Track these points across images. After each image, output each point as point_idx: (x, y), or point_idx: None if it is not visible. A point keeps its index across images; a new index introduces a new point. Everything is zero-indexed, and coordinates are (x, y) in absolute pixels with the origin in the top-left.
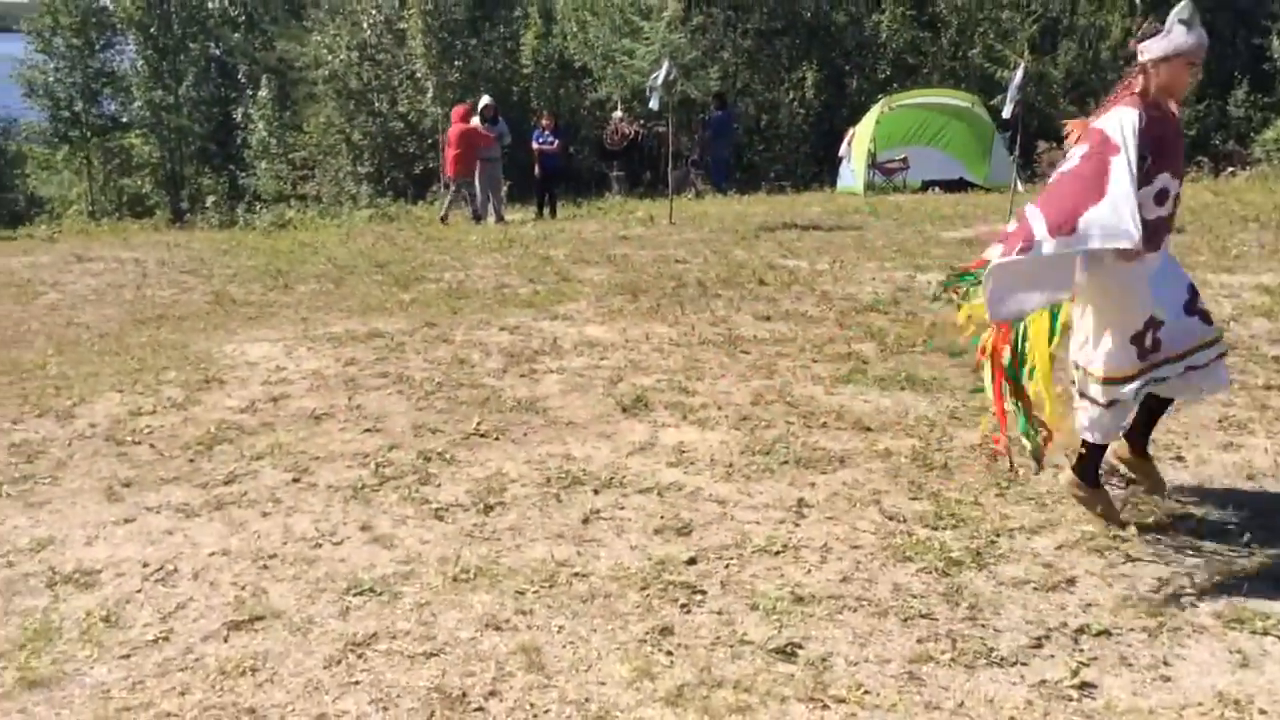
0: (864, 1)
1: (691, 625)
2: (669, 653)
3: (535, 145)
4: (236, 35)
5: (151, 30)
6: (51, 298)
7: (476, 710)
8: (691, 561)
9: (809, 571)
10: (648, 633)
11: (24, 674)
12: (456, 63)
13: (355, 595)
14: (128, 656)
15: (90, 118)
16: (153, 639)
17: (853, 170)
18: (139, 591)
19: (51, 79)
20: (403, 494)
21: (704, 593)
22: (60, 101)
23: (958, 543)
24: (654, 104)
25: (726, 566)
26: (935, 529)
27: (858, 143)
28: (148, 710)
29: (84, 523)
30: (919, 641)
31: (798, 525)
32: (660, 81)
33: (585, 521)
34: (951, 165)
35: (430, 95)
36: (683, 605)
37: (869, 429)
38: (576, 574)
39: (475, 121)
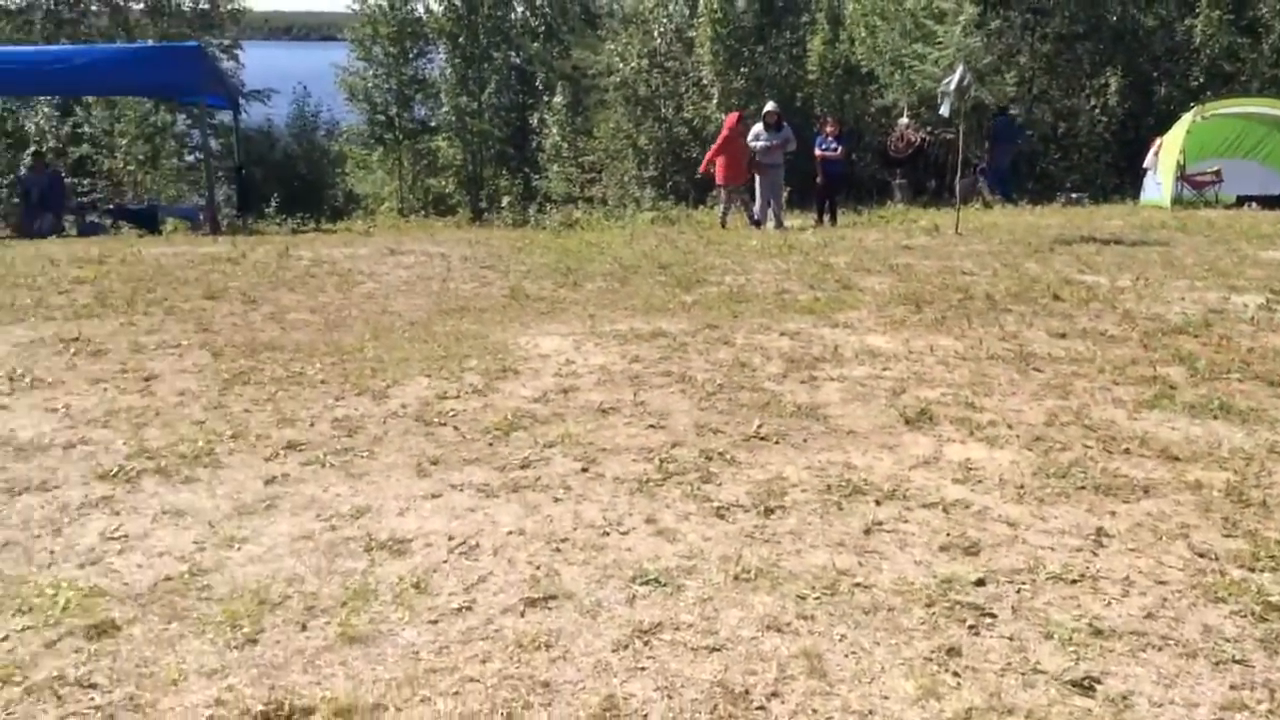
0: (1175, 5)
1: (980, 648)
2: (956, 674)
3: (818, 151)
4: (536, 44)
5: (460, 39)
6: (368, 287)
7: (759, 709)
8: (980, 583)
9: (1109, 604)
10: (933, 651)
11: (344, 630)
12: (742, 69)
13: (641, 584)
14: (435, 622)
15: (403, 121)
16: (457, 608)
17: (1159, 182)
18: (445, 562)
19: (370, 85)
20: (685, 490)
21: (994, 616)
22: (377, 106)
23: (1277, 586)
24: (945, 110)
25: (1018, 591)
26: (1251, 570)
27: (1165, 153)
28: (452, 674)
29: (397, 495)
30: (1232, 688)
31: (1096, 554)
32: (953, 87)
33: (867, 532)
34: (1272, 179)
35: (715, 101)
36: (970, 626)
37: (1177, 458)
38: (858, 584)
39: (757, 128)
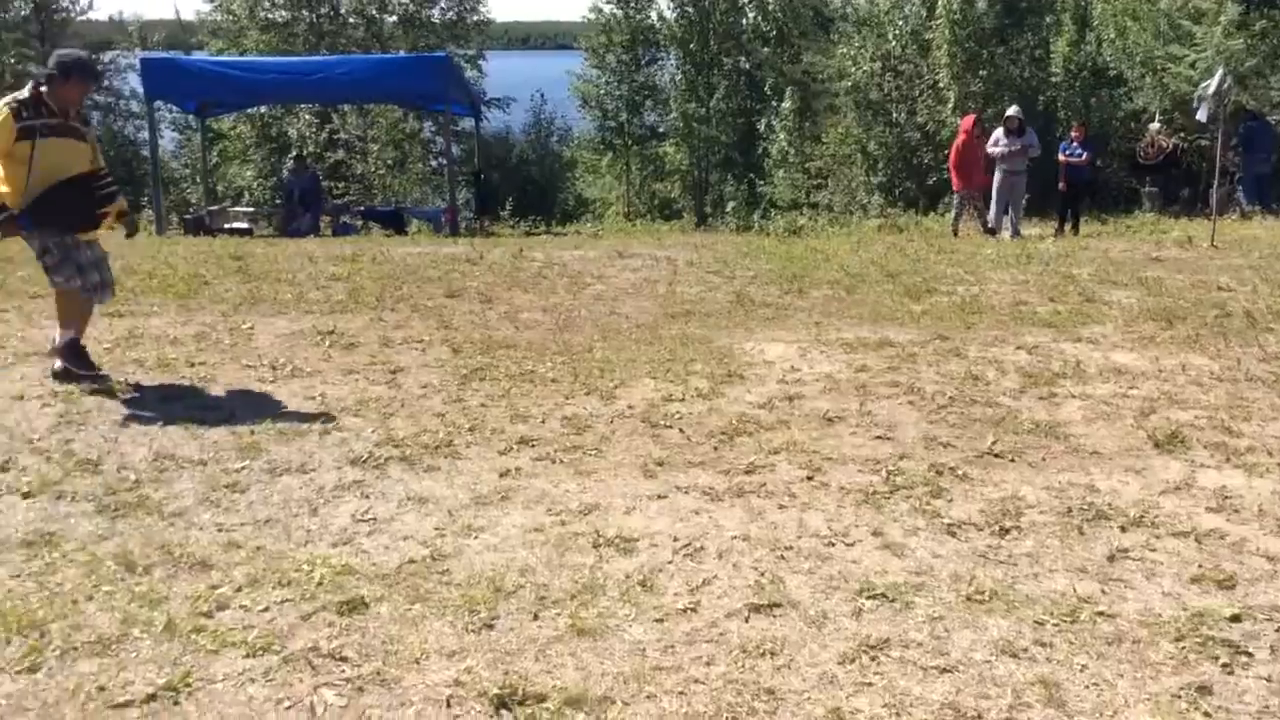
0: None
1: (1234, 688)
2: (1207, 714)
3: (1061, 157)
4: (766, 49)
5: (691, 46)
6: (597, 289)
7: None
8: (1235, 619)
9: None
10: (1182, 688)
11: (574, 622)
12: (981, 72)
13: (868, 598)
14: (660, 621)
15: (632, 127)
16: (682, 609)
17: None
18: (670, 563)
19: (602, 92)
20: (914, 505)
21: (1250, 655)
22: (608, 112)
23: None
24: (1202, 115)
25: (1278, 630)
26: None
27: None
28: (677, 674)
29: (623, 494)
30: None
31: None
32: (1212, 91)
33: (1111, 559)
34: None
35: (951, 105)
36: (1224, 665)
37: None
38: (1101, 613)
39: (997, 133)
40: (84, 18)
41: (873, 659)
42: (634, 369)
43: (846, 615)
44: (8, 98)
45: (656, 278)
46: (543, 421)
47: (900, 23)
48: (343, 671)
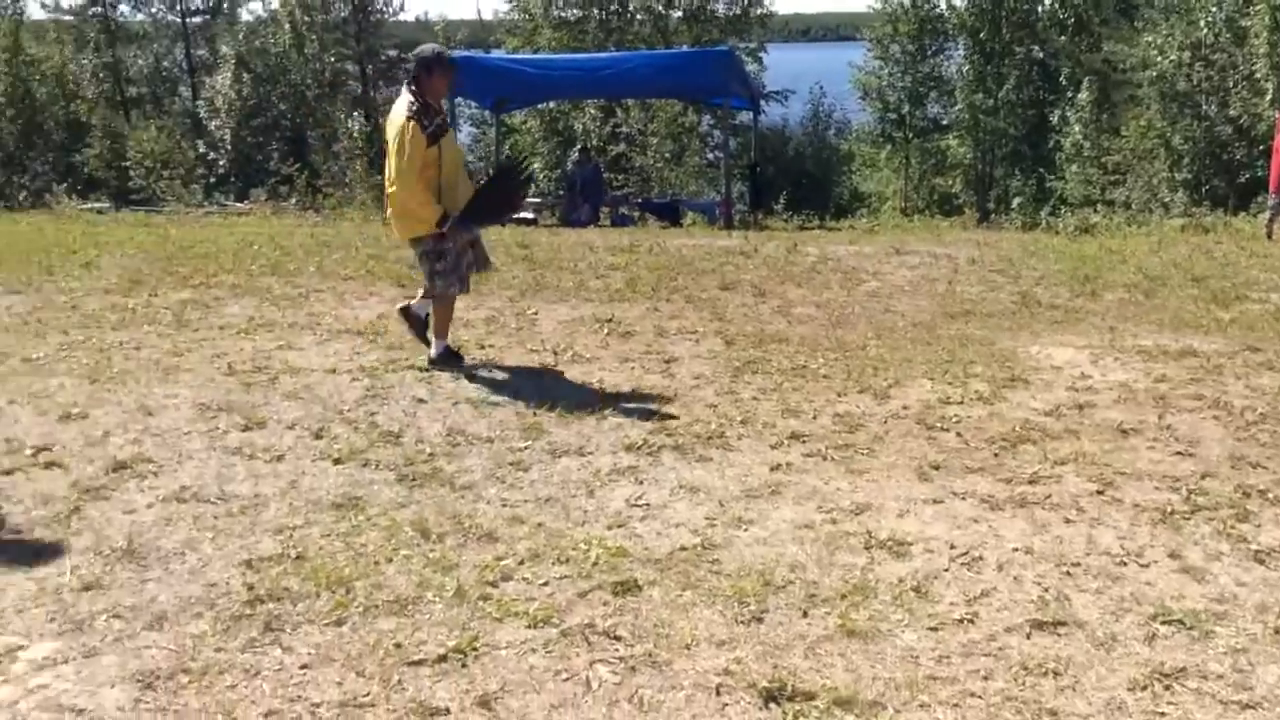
0: None
1: None
2: None
3: None
4: (1063, 38)
5: (981, 35)
6: (872, 285)
7: None
8: None
9: None
10: None
11: (844, 623)
12: None
13: (1162, 623)
14: (935, 629)
15: (914, 120)
16: (959, 619)
17: None
18: (946, 570)
19: (884, 83)
20: (1217, 527)
21: None
22: (889, 104)
23: None
24: None
25: None
26: None
27: None
28: (952, 685)
29: (897, 496)
30: None
31: None
32: None
33: None
34: None
35: (1269, 98)
36: None
37: None
38: None
39: None
40: (395, 19)
41: (1166, 688)
42: (909, 368)
43: (1138, 640)
44: (402, 110)
45: (935, 275)
46: (814, 417)
47: (1213, 9)
48: (616, 650)
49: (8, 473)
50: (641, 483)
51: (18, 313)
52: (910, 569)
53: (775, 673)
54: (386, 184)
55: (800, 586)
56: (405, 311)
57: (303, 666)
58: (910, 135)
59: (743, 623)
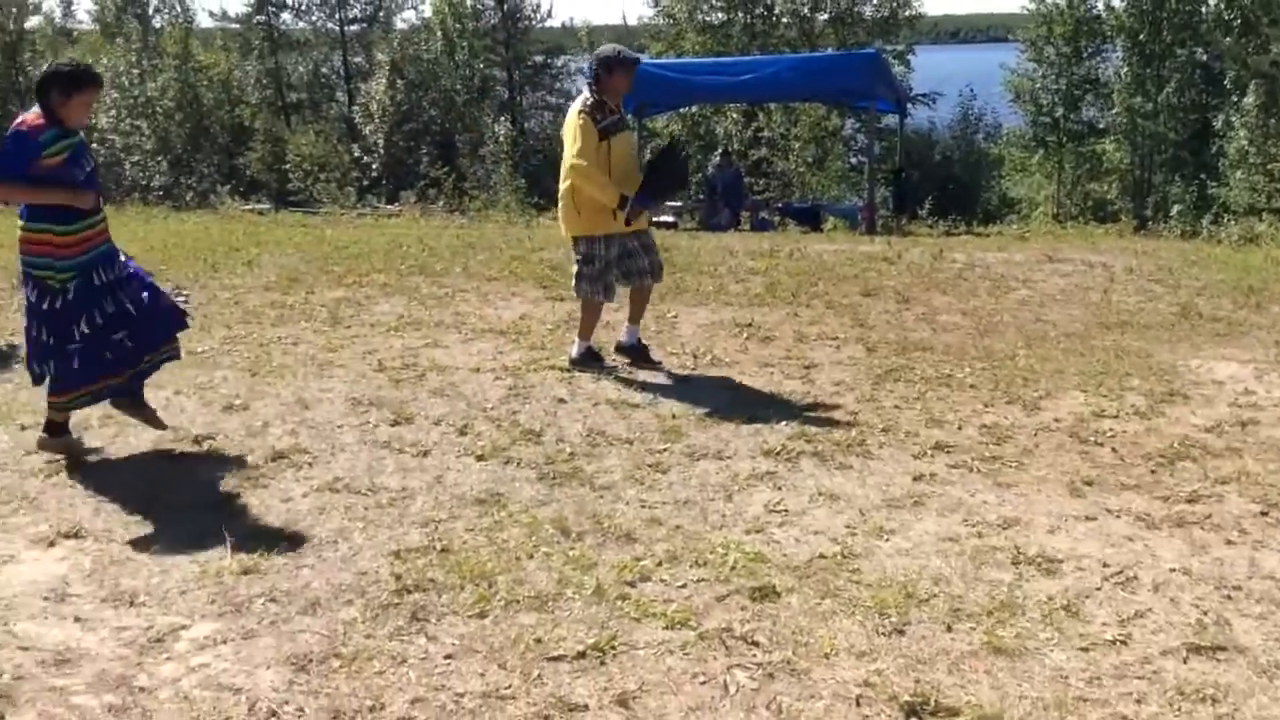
0: None
1: None
2: None
3: None
4: (1228, 39)
5: (1140, 36)
6: (1022, 294)
7: None
8: None
9: None
10: None
11: (990, 639)
12: None
13: None
14: (1086, 650)
15: (1068, 123)
16: (1111, 640)
17: None
18: (1098, 589)
19: (1037, 86)
20: None
21: None
22: (1042, 108)
23: None
24: None
25: None
26: None
27: None
28: (1103, 707)
29: (1047, 511)
30: None
31: None
32: None
33: None
34: None
35: None
36: None
37: None
38: None
39: None
40: (542, 25)
41: None
42: (1061, 380)
43: None
44: (576, 106)
45: (1089, 284)
46: (960, 428)
47: None
48: (754, 656)
49: (175, 459)
50: (780, 488)
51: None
52: (1060, 587)
53: (917, 687)
54: (560, 182)
55: (944, 600)
56: (620, 349)
57: (447, 656)
58: (1064, 139)
59: (884, 634)
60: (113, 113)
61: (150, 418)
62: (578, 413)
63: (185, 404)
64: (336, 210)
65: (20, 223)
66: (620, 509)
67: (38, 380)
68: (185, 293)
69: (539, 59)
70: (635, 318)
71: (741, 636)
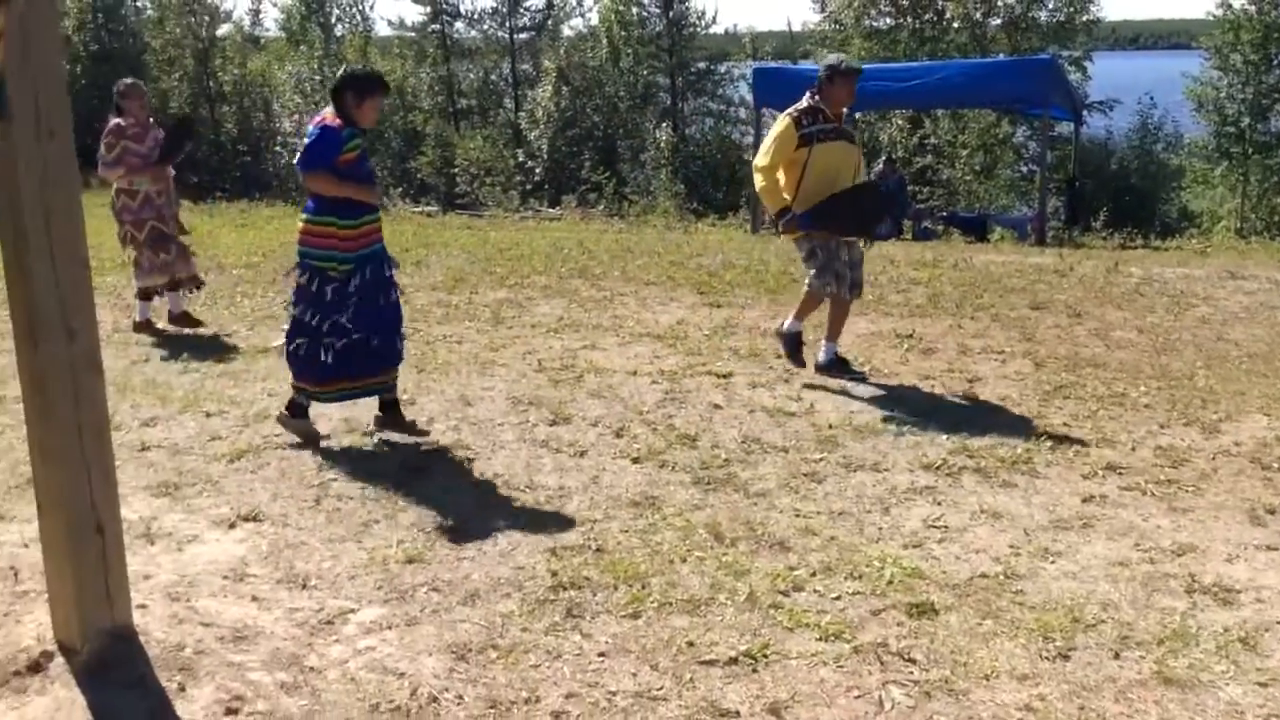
0: None
1: None
2: None
3: None
4: None
5: None
6: (1202, 311)
7: None
8: None
9: None
10: None
11: (1160, 669)
12: None
13: None
14: (1264, 685)
15: (1255, 134)
16: None
17: None
18: (1278, 623)
19: (1222, 94)
20: None
21: None
22: (1227, 117)
23: None
24: None
25: None
26: None
27: None
28: None
29: (1225, 539)
30: None
31: None
32: None
33: None
34: None
35: None
36: None
37: None
38: None
39: None
40: (706, 32)
41: None
42: (1243, 402)
43: None
44: (790, 109)
45: (1275, 303)
46: (1133, 449)
47: None
48: (910, 673)
49: (346, 450)
50: (940, 504)
51: None
52: (1238, 618)
53: (1082, 714)
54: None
55: (1112, 626)
56: (821, 369)
57: (600, 654)
58: (1250, 150)
59: (1047, 658)
60: (295, 117)
61: (409, 427)
62: (733, 419)
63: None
64: (500, 213)
65: (304, 216)
66: (774, 517)
67: (293, 360)
68: None
69: (702, 65)
70: (833, 334)
71: (898, 652)
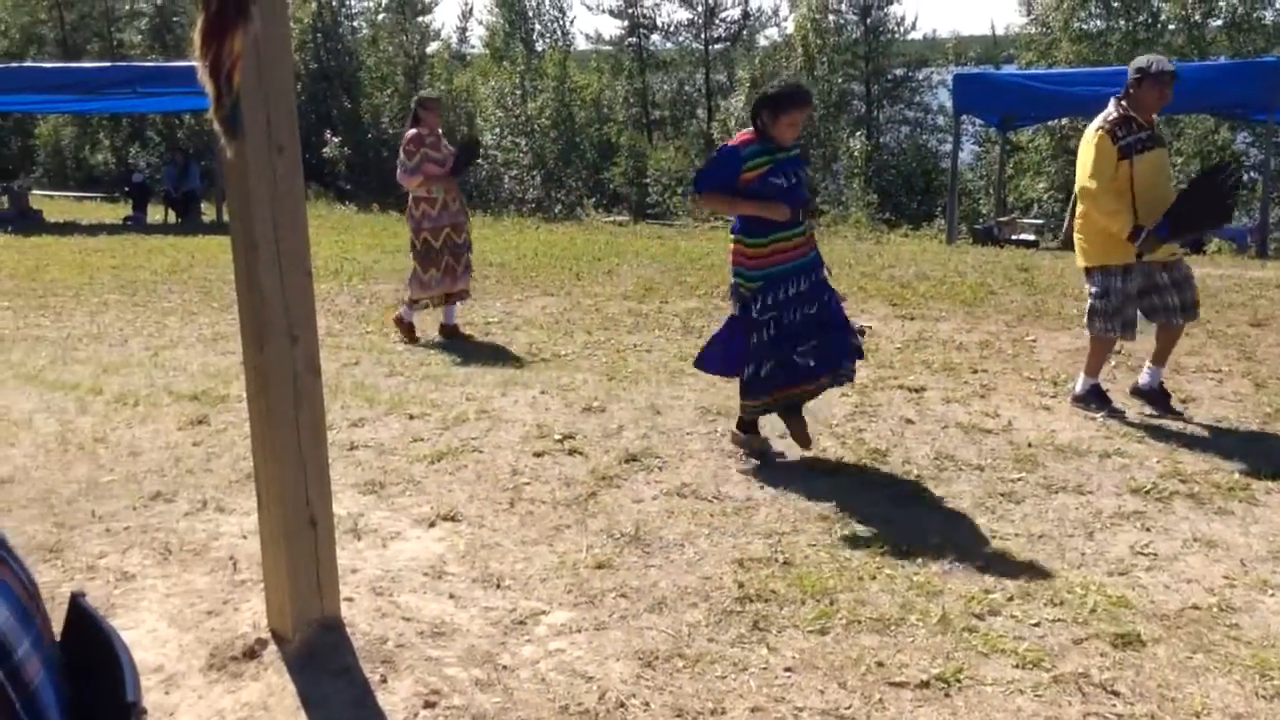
0: None
1: None
2: None
3: None
4: None
5: None
6: None
7: None
8: None
9: None
10: None
11: None
12: None
13: None
14: None
15: None
16: None
17: None
18: None
19: None
20: None
21: None
22: None
23: None
24: None
25: None
26: None
27: None
28: None
29: None
30: None
31: None
32: None
33: None
34: None
35: None
36: None
37: None
38: None
39: None
40: (904, 38)
41: None
42: None
43: None
44: (1097, 121)
45: None
46: None
47: None
48: (1114, 706)
49: (539, 455)
50: (1149, 530)
51: (551, 313)
52: None
53: None
54: (1075, 204)
55: None
56: (1136, 392)
57: (787, 669)
58: None
59: (1264, 697)
60: (497, 130)
61: (800, 434)
62: (926, 435)
63: (549, 403)
64: (691, 223)
65: (730, 235)
66: (969, 538)
67: (733, 377)
68: (868, 327)
69: (899, 72)
70: (1159, 358)
71: (1100, 684)
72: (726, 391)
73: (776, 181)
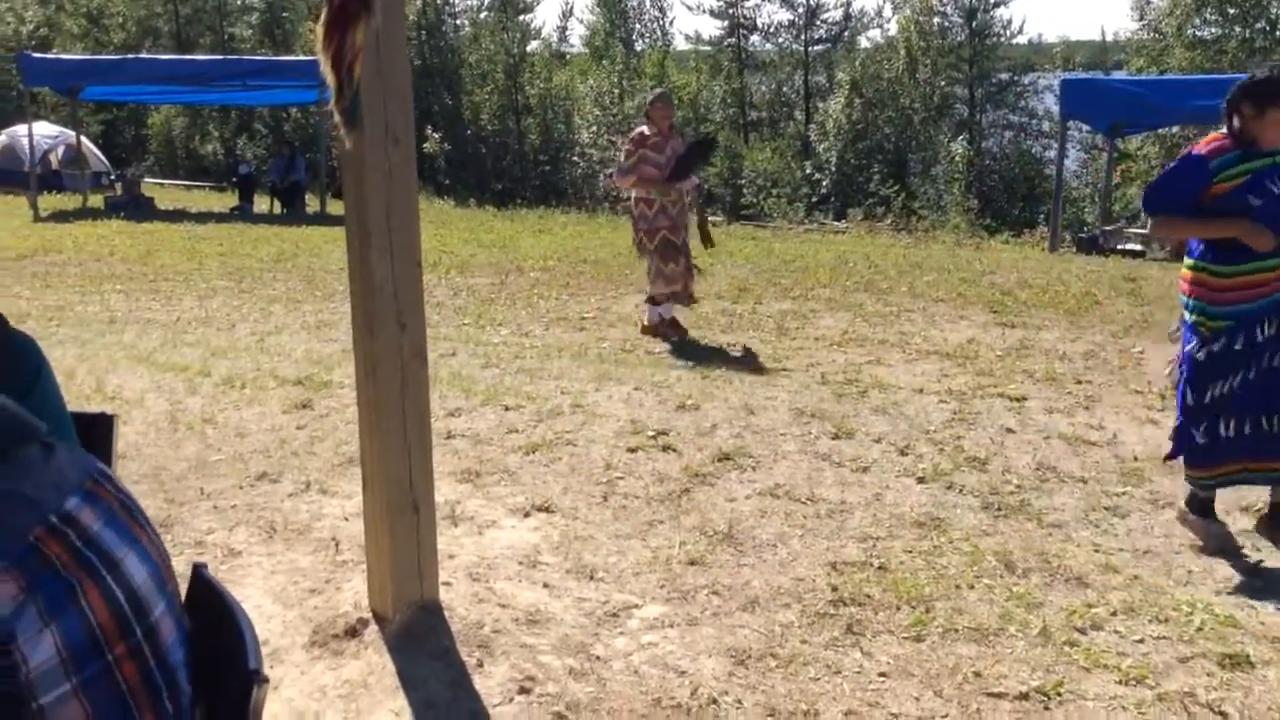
0: None
1: None
2: None
3: None
4: None
5: None
6: None
7: None
8: None
9: None
10: None
11: None
12: None
13: None
14: None
15: None
16: None
17: None
18: None
19: None
20: None
21: None
22: None
23: None
24: None
25: None
26: None
27: None
28: None
29: None
30: None
31: None
32: None
33: None
34: None
35: None
36: None
37: None
38: None
39: None
40: (1010, 42)
41: None
42: None
43: None
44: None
45: None
46: None
47: None
48: None
49: (632, 450)
50: (1259, 550)
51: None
52: None
53: None
54: None
55: None
56: None
57: (881, 674)
58: None
59: None
60: (593, 129)
61: None
62: (1027, 444)
63: (643, 399)
64: (785, 224)
65: (1186, 259)
66: (1070, 550)
67: (1176, 442)
68: None
69: (1004, 76)
70: None
71: (1207, 704)
72: (819, 394)
73: (1257, 197)
